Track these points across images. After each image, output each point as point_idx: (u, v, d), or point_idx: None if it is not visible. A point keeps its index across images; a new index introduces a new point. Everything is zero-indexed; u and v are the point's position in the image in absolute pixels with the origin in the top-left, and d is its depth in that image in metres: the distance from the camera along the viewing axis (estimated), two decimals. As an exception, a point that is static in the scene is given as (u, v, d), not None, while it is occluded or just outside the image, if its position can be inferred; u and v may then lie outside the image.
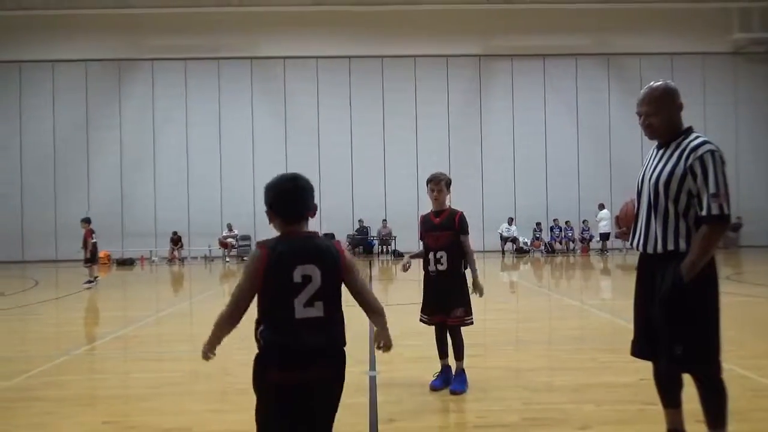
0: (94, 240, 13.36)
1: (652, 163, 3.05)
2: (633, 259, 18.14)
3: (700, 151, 2.84)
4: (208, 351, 2.29)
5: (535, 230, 21.72)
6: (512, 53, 22.65)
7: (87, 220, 13.78)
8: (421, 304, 4.84)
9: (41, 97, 22.09)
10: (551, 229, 21.99)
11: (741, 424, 3.75)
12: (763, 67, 22.96)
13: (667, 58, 22.50)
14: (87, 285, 12.91)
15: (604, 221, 20.10)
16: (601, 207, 20.51)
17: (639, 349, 3.14)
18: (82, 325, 8.87)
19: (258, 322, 2.18)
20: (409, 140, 22.36)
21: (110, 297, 12.11)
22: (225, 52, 22.20)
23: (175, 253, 21.14)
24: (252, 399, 4.67)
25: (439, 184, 4.74)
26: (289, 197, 2.28)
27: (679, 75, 22.78)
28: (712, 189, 2.77)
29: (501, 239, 21.08)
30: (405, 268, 4.82)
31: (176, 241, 21.26)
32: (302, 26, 21.91)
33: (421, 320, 4.82)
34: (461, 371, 4.67)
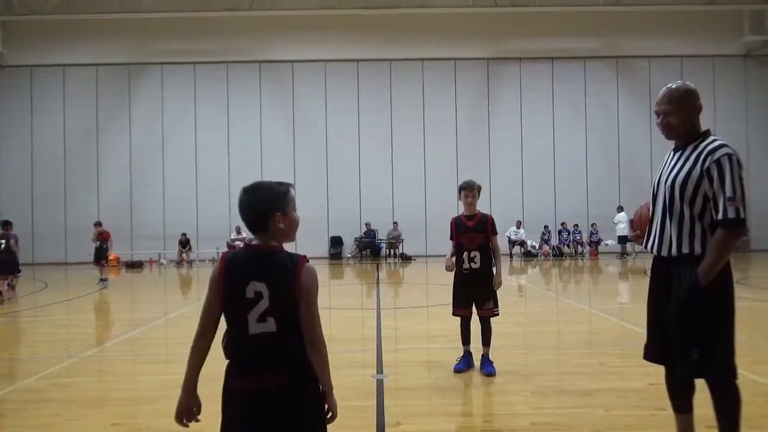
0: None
1: (668, 166, 3.02)
2: (643, 262, 18.01)
3: (717, 155, 2.81)
4: (181, 415, 2.19)
5: (543, 233, 21.62)
6: (520, 56, 22.60)
7: (101, 224, 15.07)
8: (452, 300, 5.36)
9: (52, 101, 22.28)
10: (559, 232, 21.89)
11: (752, 429, 3.71)
12: (774, 70, 22.78)
13: (676, 60, 22.36)
14: (105, 283, 13.95)
15: (622, 224, 19.71)
16: (620, 209, 20.21)
17: (652, 354, 3.11)
18: (91, 327, 8.92)
19: (225, 332, 2.18)
20: (416, 143, 22.36)
21: (119, 299, 12.18)
22: (234, 55, 22.31)
23: (184, 255, 21.22)
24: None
25: (472, 190, 5.27)
26: (241, 208, 2.20)
27: (689, 78, 22.60)
28: (728, 193, 2.75)
29: (509, 242, 20.99)
30: (450, 269, 5.34)
31: (185, 243, 21.34)
32: (310, 30, 21.98)
33: (454, 314, 5.37)
34: (488, 356, 5.25)
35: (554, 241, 21.84)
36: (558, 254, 21.47)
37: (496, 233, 5.30)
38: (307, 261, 2.18)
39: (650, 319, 3.12)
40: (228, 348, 2.14)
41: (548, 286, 13.74)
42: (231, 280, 2.11)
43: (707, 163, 2.82)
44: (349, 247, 22.12)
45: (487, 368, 5.15)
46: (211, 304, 2.14)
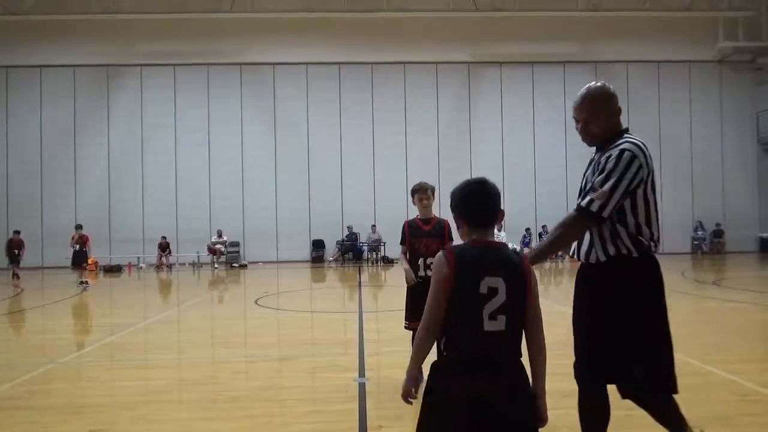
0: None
1: (587, 171, 2.91)
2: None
3: (614, 150, 2.68)
4: (409, 392, 2.14)
5: (524, 236, 21.81)
6: (501, 60, 22.81)
7: (81, 227, 15.08)
8: (405, 311, 4.94)
9: (28, 103, 21.91)
10: (540, 235, 22.10)
11: (727, 428, 3.78)
12: (748, 76, 23.27)
13: (653, 65, 22.76)
14: (86, 286, 14.00)
15: None
16: None
17: (579, 371, 2.93)
18: (69, 332, 8.77)
19: (442, 333, 2.09)
20: (398, 146, 22.41)
21: (97, 304, 12.00)
22: (215, 58, 22.16)
23: (163, 259, 20.97)
24: (241, 406, 4.62)
25: (426, 192, 4.93)
26: (476, 201, 2.17)
27: (665, 82, 23.08)
28: (595, 183, 2.65)
29: (490, 245, 21.14)
30: (412, 281, 4.86)
31: (164, 246, 21.09)
32: (292, 33, 21.93)
33: (406, 327, 4.94)
34: None
35: (535, 244, 22.03)
36: (538, 257, 21.64)
37: (453, 239, 4.83)
38: None
39: (574, 332, 2.92)
40: (453, 347, 2.06)
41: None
42: (464, 275, 2.04)
43: (600, 160, 2.71)
44: (331, 251, 22.07)
45: None
46: (440, 301, 2.06)
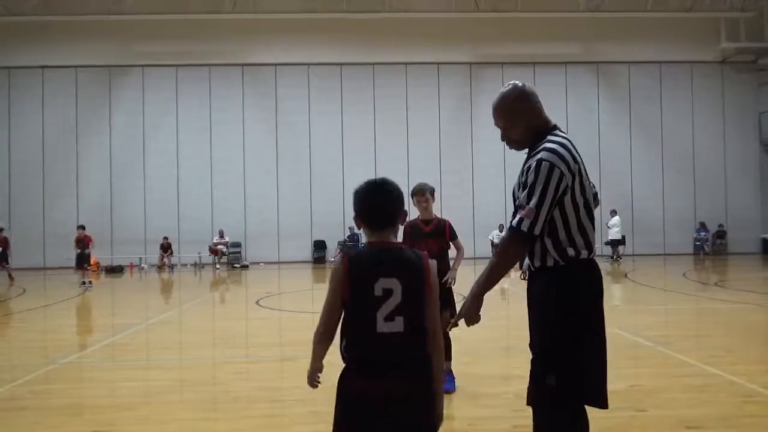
0: None
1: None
2: (633, 265, 18.14)
3: (533, 160, 2.50)
4: (313, 378, 2.21)
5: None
6: (502, 61, 22.79)
7: (84, 227, 14.92)
8: None
9: (30, 103, 21.93)
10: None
11: (730, 429, 3.77)
12: (750, 76, 23.23)
13: (655, 66, 22.74)
14: (89, 286, 13.99)
15: (616, 228, 20.01)
16: (613, 213, 20.30)
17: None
18: (70, 333, 8.78)
19: (341, 336, 2.11)
20: (400, 147, 22.40)
21: (99, 305, 12.01)
22: (216, 58, 22.17)
23: (165, 260, 20.97)
24: (242, 407, 4.62)
25: (425, 194, 4.95)
26: (373, 203, 2.18)
27: (667, 83, 23.05)
28: (522, 200, 2.51)
29: (492, 246, 21.06)
30: None
31: (166, 247, 21.10)
32: (294, 33, 21.94)
33: None
34: (449, 371, 4.79)
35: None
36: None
37: (456, 237, 4.94)
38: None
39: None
40: (350, 349, 2.08)
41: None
42: (358, 278, 2.06)
43: (524, 171, 2.54)
44: (332, 251, 22.07)
45: (446, 386, 4.63)
46: (336, 305, 2.09)
